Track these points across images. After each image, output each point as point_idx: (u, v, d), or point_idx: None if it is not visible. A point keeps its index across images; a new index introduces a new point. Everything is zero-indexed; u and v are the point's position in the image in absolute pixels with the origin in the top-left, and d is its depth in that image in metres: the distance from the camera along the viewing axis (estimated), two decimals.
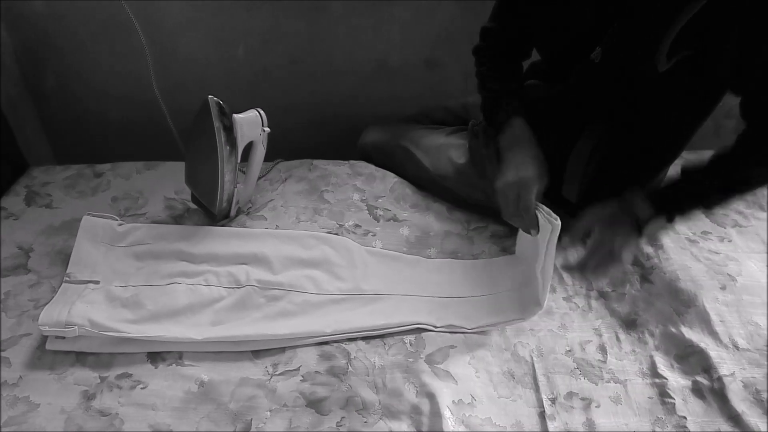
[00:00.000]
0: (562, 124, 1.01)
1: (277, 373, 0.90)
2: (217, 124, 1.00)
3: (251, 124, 1.08)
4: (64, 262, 1.03)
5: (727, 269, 1.10)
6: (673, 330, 0.99)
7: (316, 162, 1.30)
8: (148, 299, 0.96)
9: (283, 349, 0.93)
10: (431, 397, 0.88)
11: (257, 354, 0.93)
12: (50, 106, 1.50)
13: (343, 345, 0.95)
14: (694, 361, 0.96)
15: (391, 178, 1.27)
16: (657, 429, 0.87)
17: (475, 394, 0.89)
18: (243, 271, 1.01)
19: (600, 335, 1.00)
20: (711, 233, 1.18)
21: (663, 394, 0.92)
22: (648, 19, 0.81)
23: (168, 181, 1.22)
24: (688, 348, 0.97)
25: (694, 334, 0.99)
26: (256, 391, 0.88)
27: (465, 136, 1.23)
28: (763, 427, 0.86)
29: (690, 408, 0.90)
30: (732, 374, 0.93)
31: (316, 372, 0.91)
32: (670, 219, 0.92)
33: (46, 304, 0.93)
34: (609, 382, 0.93)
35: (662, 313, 1.02)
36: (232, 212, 1.14)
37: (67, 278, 0.99)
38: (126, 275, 1.01)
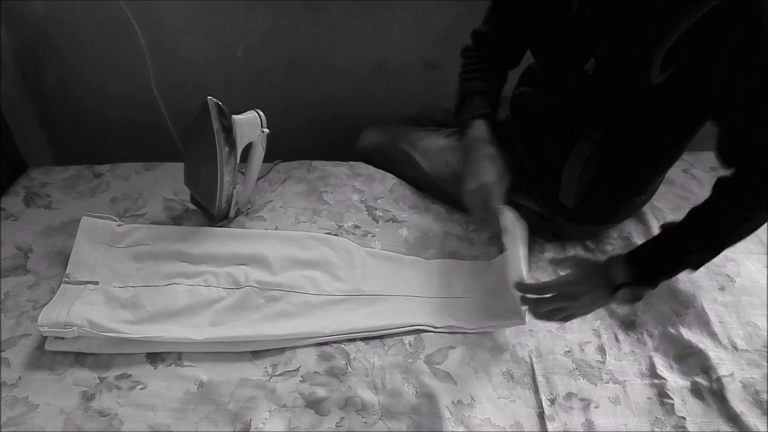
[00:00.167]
0: (558, 131, 1.01)
1: (276, 373, 0.90)
2: (216, 125, 1.00)
3: (250, 125, 1.08)
4: (63, 263, 1.03)
5: (726, 270, 1.10)
6: (672, 331, 1.00)
7: (315, 163, 1.30)
8: (148, 300, 0.96)
9: (282, 350, 0.93)
10: (430, 397, 0.88)
11: (256, 354, 0.93)
12: (50, 107, 1.50)
13: (343, 346, 0.95)
14: (693, 362, 0.96)
15: (391, 179, 1.27)
16: (656, 429, 0.88)
17: (475, 395, 0.89)
18: (242, 271, 1.01)
19: (599, 336, 1.00)
20: None
21: (662, 394, 0.92)
22: (642, 31, 0.80)
23: (167, 182, 1.22)
24: (687, 349, 0.97)
25: (693, 335, 0.99)
26: (256, 392, 0.88)
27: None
28: (762, 428, 0.87)
29: (689, 409, 0.90)
30: (731, 375, 0.93)
31: (316, 372, 0.91)
32: (654, 285, 0.88)
33: (46, 304, 0.93)
34: (608, 382, 0.93)
35: (661, 313, 1.03)
36: (232, 213, 1.14)
37: (66, 279, 0.99)
38: (125, 276, 1.01)
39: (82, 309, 0.92)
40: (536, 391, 0.91)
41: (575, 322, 1.01)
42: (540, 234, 1.15)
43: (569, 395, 0.91)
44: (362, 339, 0.96)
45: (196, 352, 0.92)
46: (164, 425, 0.83)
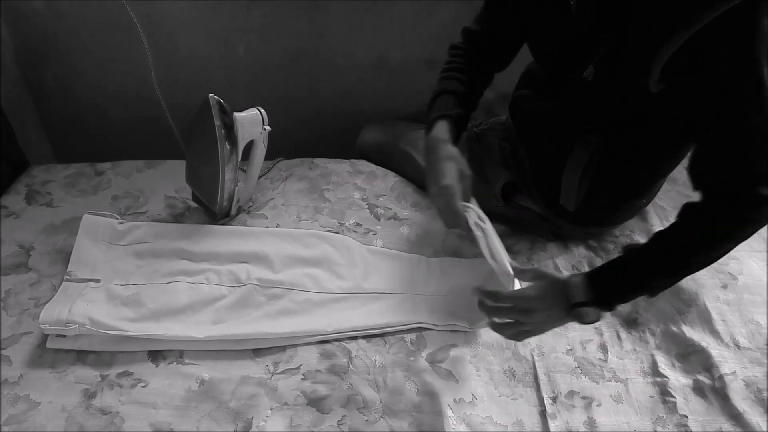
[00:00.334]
0: (557, 135, 1.01)
1: (278, 371, 0.90)
2: (217, 122, 1.00)
3: (252, 123, 1.08)
4: (64, 261, 1.03)
5: (728, 268, 1.10)
6: (674, 329, 0.99)
7: (316, 160, 1.30)
8: (149, 298, 0.96)
9: (283, 348, 0.93)
10: (432, 395, 0.88)
11: (258, 352, 0.93)
12: (50, 105, 1.50)
13: (344, 343, 0.95)
14: (695, 360, 0.96)
15: (392, 177, 1.27)
16: (658, 428, 0.87)
17: (476, 393, 0.89)
18: (244, 269, 1.01)
19: (601, 334, 1.00)
20: None
21: (664, 392, 0.92)
22: (642, 39, 0.79)
23: (168, 179, 1.22)
24: (689, 347, 0.97)
25: (695, 333, 0.99)
26: (257, 390, 0.88)
27: (464, 138, 1.22)
28: (764, 426, 0.86)
29: (691, 407, 0.90)
30: (733, 373, 0.93)
31: (317, 370, 0.91)
32: (611, 308, 0.86)
33: (47, 302, 0.93)
34: (610, 380, 0.93)
35: (663, 312, 1.02)
36: (233, 211, 1.14)
37: (68, 277, 0.99)
38: (127, 274, 1.01)
39: (84, 307, 0.92)
40: (538, 390, 0.91)
41: None
42: (540, 234, 1.15)
43: (571, 393, 0.91)
44: (364, 337, 0.96)
45: (198, 350, 0.92)
46: (166, 423, 0.83)
